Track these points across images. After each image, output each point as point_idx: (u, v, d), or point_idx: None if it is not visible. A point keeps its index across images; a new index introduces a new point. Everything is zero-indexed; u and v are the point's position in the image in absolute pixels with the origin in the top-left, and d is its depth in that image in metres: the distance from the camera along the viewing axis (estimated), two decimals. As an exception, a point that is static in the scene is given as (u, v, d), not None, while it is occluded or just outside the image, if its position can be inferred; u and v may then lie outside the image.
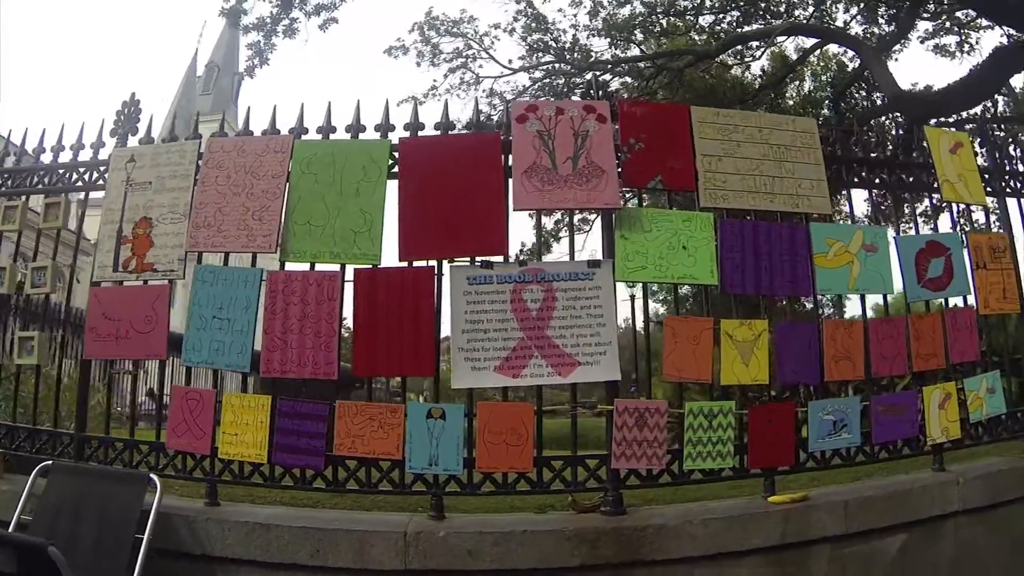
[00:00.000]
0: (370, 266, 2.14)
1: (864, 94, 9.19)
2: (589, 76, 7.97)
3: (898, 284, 2.51)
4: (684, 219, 2.26)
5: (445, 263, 2.14)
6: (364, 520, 2.04)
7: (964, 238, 2.67)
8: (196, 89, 33.69)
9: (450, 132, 2.30)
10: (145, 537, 1.84)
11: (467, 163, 2.20)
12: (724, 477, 2.18)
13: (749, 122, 2.45)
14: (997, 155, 2.91)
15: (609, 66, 9.13)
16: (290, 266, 2.21)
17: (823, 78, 10.06)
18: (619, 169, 2.24)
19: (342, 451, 2.04)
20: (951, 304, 2.63)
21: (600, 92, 2.43)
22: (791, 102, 9.72)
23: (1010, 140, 3.08)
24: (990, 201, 2.88)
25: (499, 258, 2.15)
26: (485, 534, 1.92)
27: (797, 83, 10.39)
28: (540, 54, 9.66)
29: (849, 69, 9.42)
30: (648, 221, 2.23)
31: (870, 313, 2.57)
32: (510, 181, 2.19)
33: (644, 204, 2.76)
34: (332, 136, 2.30)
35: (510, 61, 9.82)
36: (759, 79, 9.76)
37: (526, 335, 2.09)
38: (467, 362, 2.06)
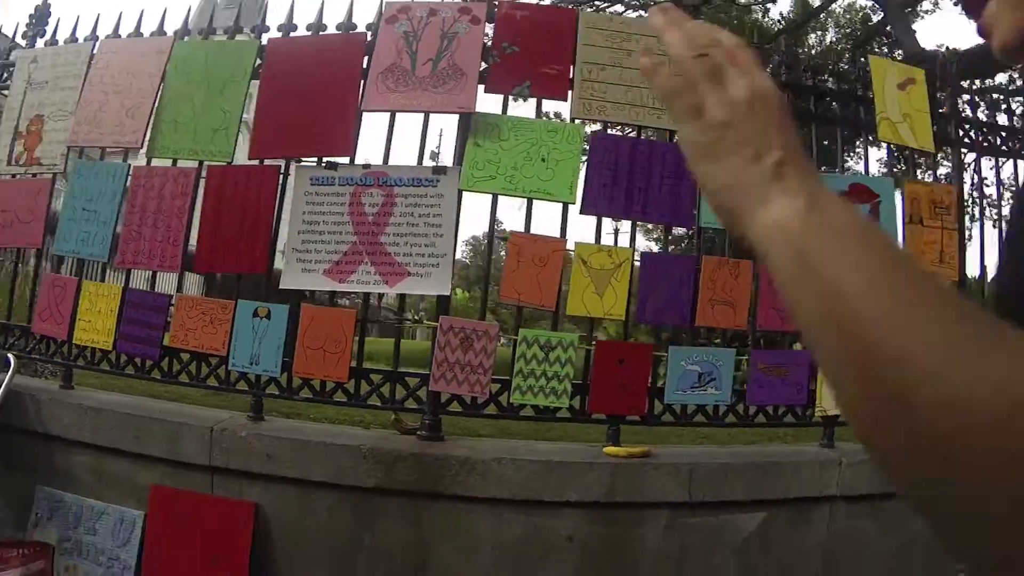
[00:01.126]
0: (223, 163, 2.14)
1: (886, 50, 8.38)
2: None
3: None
4: (549, 129, 2.05)
5: (293, 163, 2.09)
6: (184, 413, 2.07)
7: (900, 187, 2.26)
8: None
9: (321, 33, 2.23)
10: (-6, 412, 1.98)
11: (328, 64, 2.11)
12: (561, 418, 1.99)
13: (646, 31, 2.17)
14: (959, 100, 2.40)
15: None
16: (156, 163, 2.25)
17: (846, 29, 9.22)
18: (487, 74, 2.08)
19: (175, 343, 2.08)
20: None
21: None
22: (813, 51, 8.93)
23: (975, 86, 2.55)
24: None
25: (345, 160, 2.07)
26: (283, 440, 1.88)
27: (819, 32, 9.58)
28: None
29: (873, 23, 8.82)
30: (507, 128, 2.05)
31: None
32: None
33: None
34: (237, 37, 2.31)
35: None
36: (777, 24, 8.94)
37: (359, 240, 2.00)
38: (298, 263, 2.01)
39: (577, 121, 2.10)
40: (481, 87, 2.06)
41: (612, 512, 1.87)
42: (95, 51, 2.39)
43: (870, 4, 8.94)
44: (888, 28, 7.87)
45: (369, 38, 2.13)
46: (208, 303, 2.09)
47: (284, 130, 2.07)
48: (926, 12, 8.51)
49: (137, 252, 2.16)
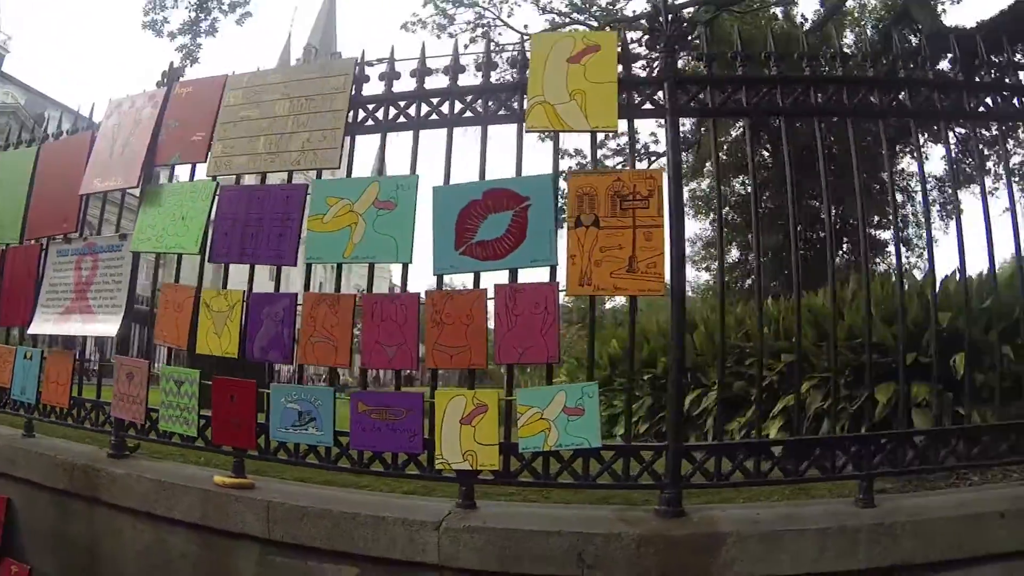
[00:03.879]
0: (4, 245, 2.79)
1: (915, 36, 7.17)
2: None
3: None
4: (191, 190, 2.32)
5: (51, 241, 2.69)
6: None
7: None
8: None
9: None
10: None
11: (67, 163, 2.66)
12: (198, 447, 2.22)
13: (277, 79, 2.29)
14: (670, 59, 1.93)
15: (632, 20, 7.86)
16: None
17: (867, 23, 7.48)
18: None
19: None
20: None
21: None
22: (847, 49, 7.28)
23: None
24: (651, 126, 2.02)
25: (76, 235, 2.60)
26: (16, 449, 2.48)
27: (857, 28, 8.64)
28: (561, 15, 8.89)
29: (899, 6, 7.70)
30: (165, 195, 2.37)
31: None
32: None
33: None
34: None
35: (526, 27, 9.27)
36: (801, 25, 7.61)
37: (75, 295, 2.51)
38: (42, 314, 2.59)
39: (219, 178, 2.31)
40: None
41: (211, 536, 2.05)
42: None
43: None
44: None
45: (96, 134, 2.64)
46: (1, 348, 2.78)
47: (40, 215, 2.69)
48: None
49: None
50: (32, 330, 2.62)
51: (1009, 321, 2.77)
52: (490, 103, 2.04)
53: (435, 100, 2.09)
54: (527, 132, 1.97)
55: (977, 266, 3.79)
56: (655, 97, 1.96)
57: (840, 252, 9.34)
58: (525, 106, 1.97)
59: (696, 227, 13.71)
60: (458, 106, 2.07)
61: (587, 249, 1.84)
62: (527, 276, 1.92)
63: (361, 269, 2.20)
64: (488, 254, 1.91)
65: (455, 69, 2.08)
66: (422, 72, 2.12)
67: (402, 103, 2.13)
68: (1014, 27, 5.92)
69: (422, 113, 2.11)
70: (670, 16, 2.02)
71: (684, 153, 11.46)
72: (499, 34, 10.37)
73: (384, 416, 1.95)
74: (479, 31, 10.14)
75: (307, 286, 2.12)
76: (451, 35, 10.12)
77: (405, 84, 2.17)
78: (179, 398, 2.22)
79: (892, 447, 1.92)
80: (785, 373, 3.39)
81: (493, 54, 2.10)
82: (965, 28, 6.77)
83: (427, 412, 1.92)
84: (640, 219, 1.84)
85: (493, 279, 1.93)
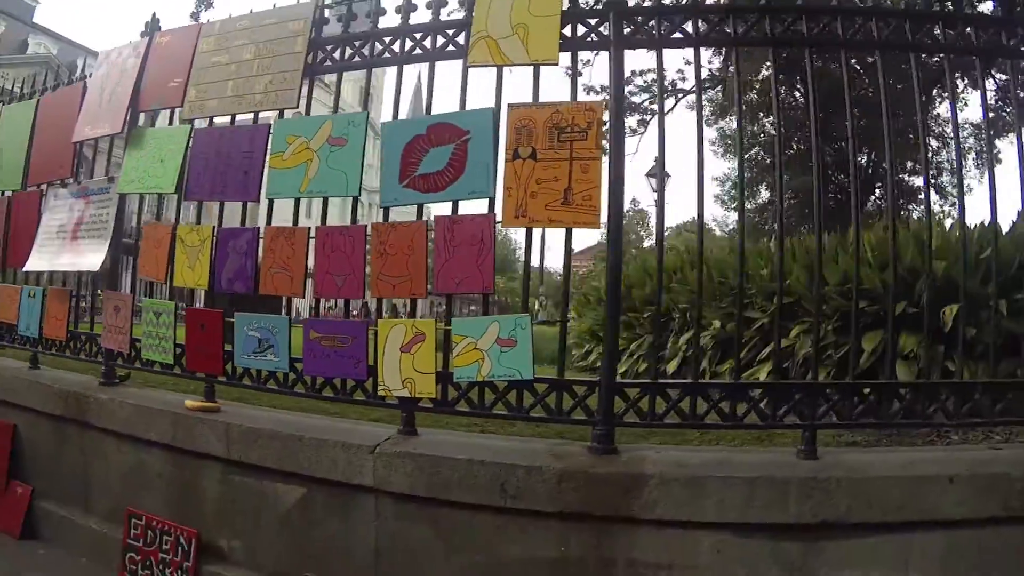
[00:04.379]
0: (10, 192, 3.01)
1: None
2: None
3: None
4: (168, 134, 2.45)
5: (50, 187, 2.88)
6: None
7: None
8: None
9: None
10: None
11: (63, 114, 2.82)
12: (174, 373, 2.38)
13: (245, 24, 2.37)
14: None
15: None
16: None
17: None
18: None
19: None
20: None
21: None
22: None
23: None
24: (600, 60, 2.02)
25: (71, 180, 2.77)
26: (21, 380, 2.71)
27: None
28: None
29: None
30: (146, 140, 2.50)
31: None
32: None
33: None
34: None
35: None
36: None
37: (69, 235, 2.69)
38: (38, 251, 2.78)
39: (196, 122, 2.43)
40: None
41: (181, 456, 2.21)
42: None
43: None
44: None
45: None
46: (9, 288, 3.00)
47: (39, 163, 2.87)
48: None
49: None
50: (27, 267, 2.82)
51: (1008, 274, 2.65)
52: (439, 40, 2.08)
53: (387, 39, 2.14)
54: (469, 67, 2.01)
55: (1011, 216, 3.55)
56: (600, 29, 1.97)
57: (872, 198, 8.94)
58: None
59: (725, 166, 13.32)
60: (408, 44, 2.12)
61: (523, 181, 1.87)
62: (470, 208, 1.98)
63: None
64: (429, 186, 1.97)
65: (407, 8, 2.13)
66: (376, 12, 2.17)
67: (357, 43, 2.20)
68: None
69: (375, 52, 2.16)
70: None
71: (711, 91, 11.14)
72: None
73: (333, 343, 2.05)
74: None
75: (269, 220, 2.23)
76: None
77: (362, 25, 2.23)
78: (158, 328, 2.38)
79: (839, 398, 1.84)
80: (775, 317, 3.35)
81: (444, -8, 2.13)
82: None
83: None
84: (577, 151, 1.86)
85: (438, 211, 1.99)
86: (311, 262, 2.11)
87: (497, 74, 2.01)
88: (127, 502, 2.27)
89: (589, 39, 1.98)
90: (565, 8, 1.96)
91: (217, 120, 2.43)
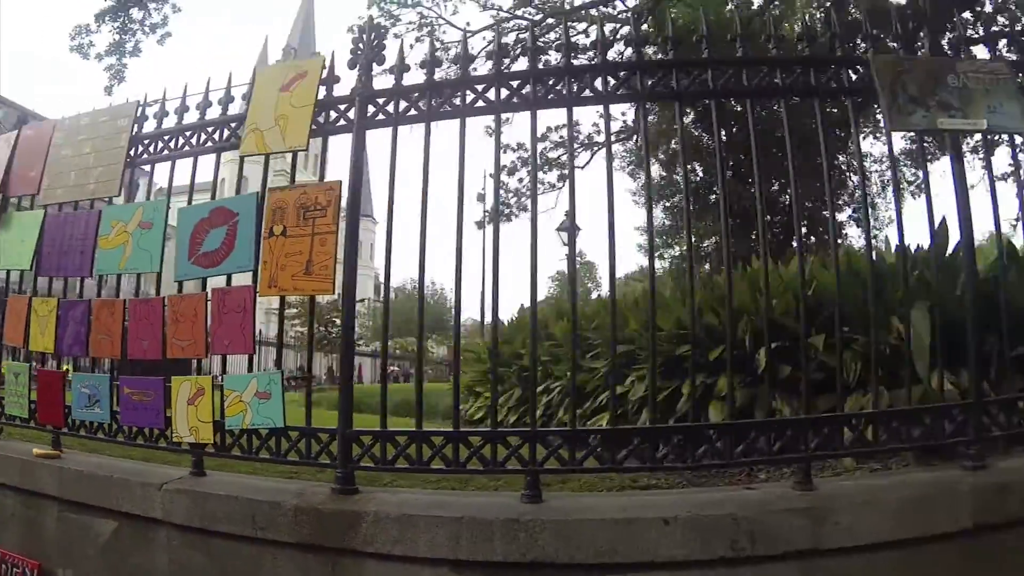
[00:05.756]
0: None
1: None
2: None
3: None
4: (26, 218, 2.83)
5: None
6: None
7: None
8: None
9: None
10: None
11: None
12: (29, 426, 2.72)
13: (86, 121, 2.75)
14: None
15: (582, 11, 7.82)
16: None
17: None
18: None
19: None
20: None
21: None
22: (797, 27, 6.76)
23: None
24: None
25: None
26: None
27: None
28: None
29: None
30: (14, 222, 2.89)
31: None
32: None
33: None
34: None
35: (468, 24, 9.46)
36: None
37: None
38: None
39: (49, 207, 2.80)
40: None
41: (28, 497, 2.55)
42: None
43: None
44: None
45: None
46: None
47: None
48: None
49: None
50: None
51: (825, 315, 2.75)
52: (225, 132, 2.41)
53: (188, 133, 2.49)
54: (240, 156, 2.32)
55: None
56: (348, 114, 2.25)
57: (796, 236, 8.94)
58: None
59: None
60: (203, 137, 2.45)
61: (276, 256, 2.17)
62: (242, 280, 2.28)
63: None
64: (209, 263, 2.28)
65: (204, 105, 2.47)
66: (181, 109, 2.52)
67: (167, 137, 2.55)
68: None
69: (178, 145, 2.51)
70: (374, 38, 2.28)
71: (627, 142, 11.30)
72: (443, 32, 10.66)
73: (141, 398, 2.37)
74: (424, 31, 10.46)
75: (98, 294, 2.58)
76: (396, 36, 10.26)
77: (191, 116, 2.56)
78: (17, 387, 2.74)
79: (560, 444, 1.96)
80: (617, 365, 3.53)
81: (233, 89, 2.45)
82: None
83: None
84: (318, 227, 2.15)
85: (217, 283, 2.30)
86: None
87: (264, 161, 2.32)
88: (-11, 540, 2.61)
89: (339, 124, 2.27)
90: (322, 97, 2.26)
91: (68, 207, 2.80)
